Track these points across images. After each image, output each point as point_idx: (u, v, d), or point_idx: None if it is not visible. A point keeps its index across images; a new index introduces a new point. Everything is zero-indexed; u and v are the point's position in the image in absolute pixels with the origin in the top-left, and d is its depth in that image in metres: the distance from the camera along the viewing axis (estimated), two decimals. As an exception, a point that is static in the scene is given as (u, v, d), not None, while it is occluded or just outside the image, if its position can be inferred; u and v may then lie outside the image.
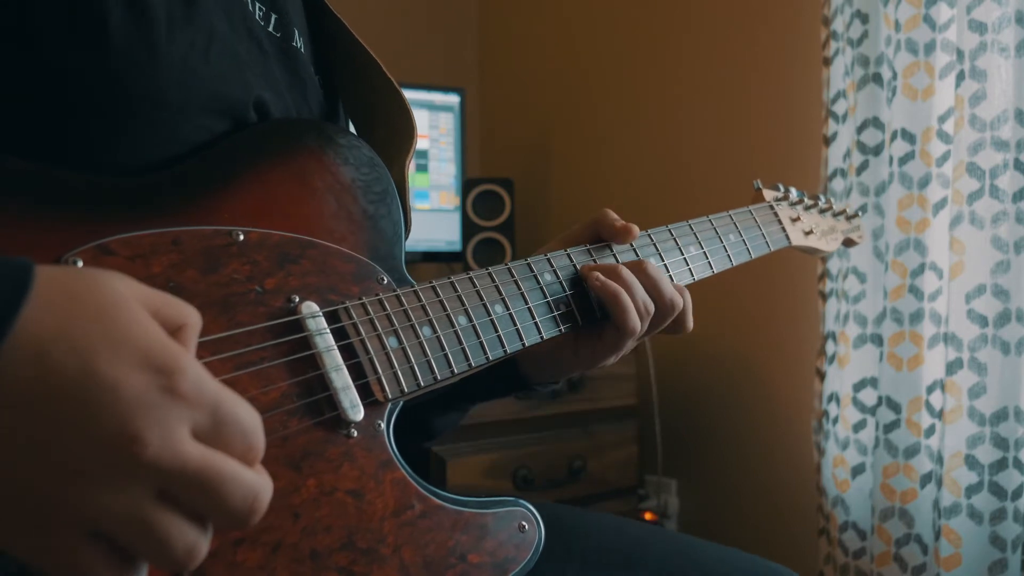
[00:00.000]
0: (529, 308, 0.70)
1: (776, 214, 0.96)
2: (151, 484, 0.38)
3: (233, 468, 0.40)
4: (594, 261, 0.77)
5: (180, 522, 0.39)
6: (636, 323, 0.74)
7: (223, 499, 0.40)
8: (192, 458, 0.39)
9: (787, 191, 1.00)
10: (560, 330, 0.72)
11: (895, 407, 1.55)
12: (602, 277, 0.74)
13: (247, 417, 0.42)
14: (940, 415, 1.49)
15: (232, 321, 0.54)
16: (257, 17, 0.67)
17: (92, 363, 0.38)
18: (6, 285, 0.38)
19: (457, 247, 2.17)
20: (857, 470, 1.65)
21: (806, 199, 1.02)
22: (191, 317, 0.44)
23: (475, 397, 0.83)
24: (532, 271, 0.72)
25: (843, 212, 1.08)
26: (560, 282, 0.74)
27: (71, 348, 0.37)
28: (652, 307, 0.75)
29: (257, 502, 0.41)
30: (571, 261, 0.75)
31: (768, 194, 0.98)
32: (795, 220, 0.98)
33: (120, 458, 0.37)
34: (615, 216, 0.79)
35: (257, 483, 0.41)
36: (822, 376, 1.69)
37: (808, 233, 1.00)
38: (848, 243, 1.09)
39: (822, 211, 1.04)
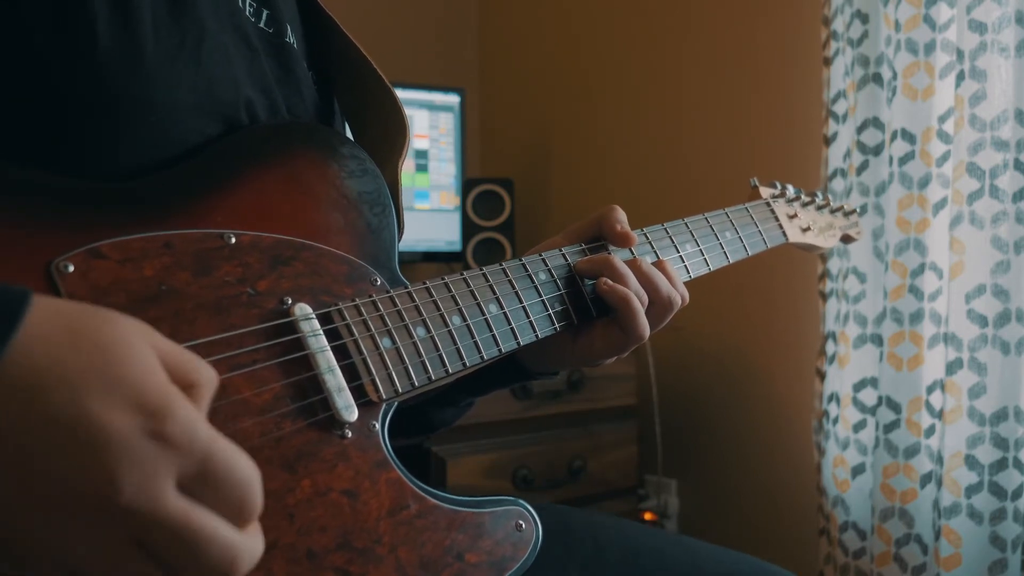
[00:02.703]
0: (524, 307, 0.70)
1: (773, 211, 0.95)
2: (126, 530, 0.37)
3: (213, 527, 0.39)
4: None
5: (152, 571, 0.38)
6: (646, 328, 0.73)
7: (198, 557, 0.38)
8: (169, 510, 0.37)
9: (784, 188, 0.99)
10: (555, 328, 0.72)
11: (895, 407, 1.55)
12: (610, 282, 0.73)
13: (242, 471, 0.40)
14: (940, 415, 1.48)
15: (225, 324, 0.54)
16: (248, 13, 0.67)
17: (82, 399, 0.37)
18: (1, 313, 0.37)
19: (457, 247, 2.17)
20: (857, 470, 1.65)
21: (803, 196, 1.01)
22: (204, 376, 0.42)
23: (474, 390, 0.82)
24: (527, 270, 0.72)
25: (840, 208, 1.07)
26: (555, 280, 0.73)
27: (63, 382, 0.37)
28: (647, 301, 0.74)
29: (235, 564, 0.40)
30: (566, 261, 0.75)
31: (765, 191, 0.98)
32: (792, 217, 0.98)
33: (96, 500, 0.37)
34: (619, 218, 0.78)
35: (238, 544, 0.40)
36: (822, 376, 1.69)
37: (806, 230, 0.99)
38: (846, 239, 1.09)
39: (819, 207, 1.03)
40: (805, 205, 1.01)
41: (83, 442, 0.36)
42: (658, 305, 0.75)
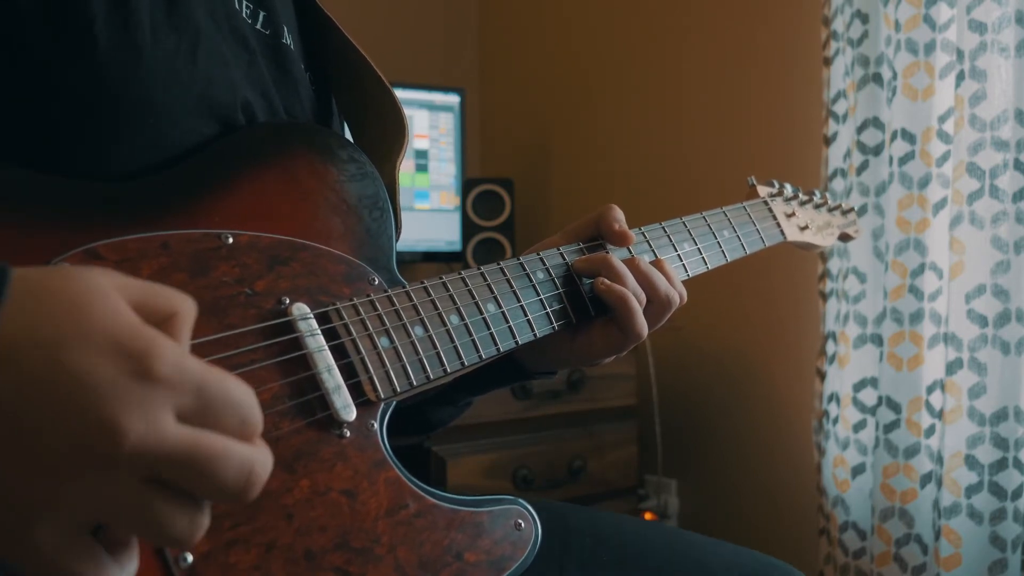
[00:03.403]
0: (522, 306, 0.70)
1: (771, 210, 0.95)
2: (137, 471, 0.37)
3: (223, 444, 0.39)
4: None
5: (174, 503, 0.38)
6: (644, 327, 0.73)
7: (215, 477, 0.38)
8: (177, 441, 0.37)
9: (782, 187, 0.99)
10: (554, 327, 0.72)
11: (895, 407, 1.55)
12: (607, 281, 0.73)
13: (237, 392, 0.40)
14: (940, 415, 1.48)
15: (223, 324, 0.54)
16: (244, 15, 0.67)
17: (57, 356, 0.36)
18: None
19: (457, 247, 2.17)
20: (857, 470, 1.65)
21: (801, 194, 1.01)
22: (182, 305, 0.42)
23: (473, 390, 0.82)
24: (524, 269, 0.72)
25: (838, 207, 1.07)
26: (553, 280, 0.73)
27: (36, 343, 0.36)
28: (645, 299, 0.75)
29: (253, 475, 0.40)
30: (564, 260, 0.75)
31: (763, 190, 0.98)
32: (790, 215, 0.97)
33: (99, 450, 0.36)
34: (617, 217, 0.78)
35: (250, 455, 0.40)
36: (822, 376, 1.69)
37: (803, 228, 0.99)
38: (844, 238, 1.08)
39: (817, 206, 1.03)
40: (803, 204, 1.01)
41: (71, 398, 0.36)
42: (656, 304, 0.75)
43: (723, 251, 0.87)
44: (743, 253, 0.89)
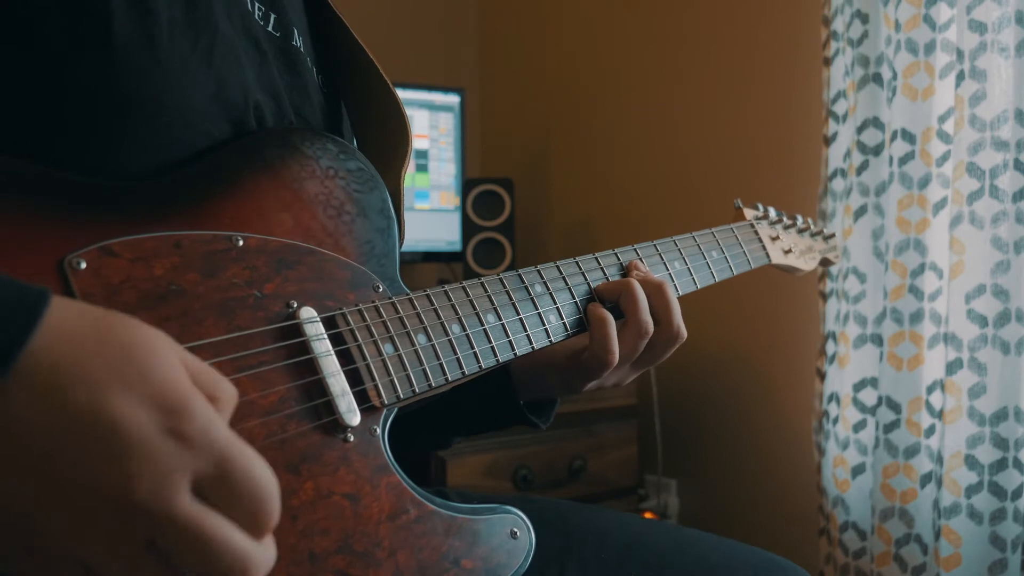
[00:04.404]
0: (520, 319, 0.71)
1: (757, 232, 0.99)
2: (141, 530, 0.37)
3: (226, 535, 0.38)
4: (582, 274, 0.77)
5: (163, 573, 0.38)
6: (611, 351, 0.74)
7: (209, 563, 0.38)
8: (183, 512, 0.37)
9: (766, 211, 1.03)
10: (550, 340, 0.73)
11: (895, 407, 1.55)
12: (598, 305, 0.75)
13: (260, 479, 0.39)
14: (940, 415, 1.49)
15: (232, 325, 0.55)
16: (256, 17, 0.67)
17: (100, 398, 0.37)
18: (20, 312, 0.37)
19: (457, 247, 2.17)
20: (857, 470, 1.65)
21: (785, 219, 1.05)
22: (226, 391, 0.42)
23: (472, 429, 0.86)
24: (523, 282, 0.73)
25: (820, 232, 1.11)
26: (550, 293, 0.74)
27: (83, 381, 0.37)
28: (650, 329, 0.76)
29: (246, 575, 0.39)
30: (560, 273, 0.76)
31: (748, 213, 1.01)
32: (775, 239, 1.01)
33: (110, 498, 0.36)
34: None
35: (251, 554, 0.39)
36: (822, 376, 1.69)
37: (787, 252, 1.03)
38: (825, 263, 1.13)
39: (800, 231, 1.07)
40: (787, 228, 1.05)
41: (100, 438, 0.36)
42: (664, 327, 0.77)
43: (712, 271, 0.89)
44: (730, 274, 0.92)
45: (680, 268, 0.86)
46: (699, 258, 0.89)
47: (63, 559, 0.38)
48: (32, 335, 0.37)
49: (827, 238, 1.12)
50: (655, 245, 0.85)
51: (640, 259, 0.82)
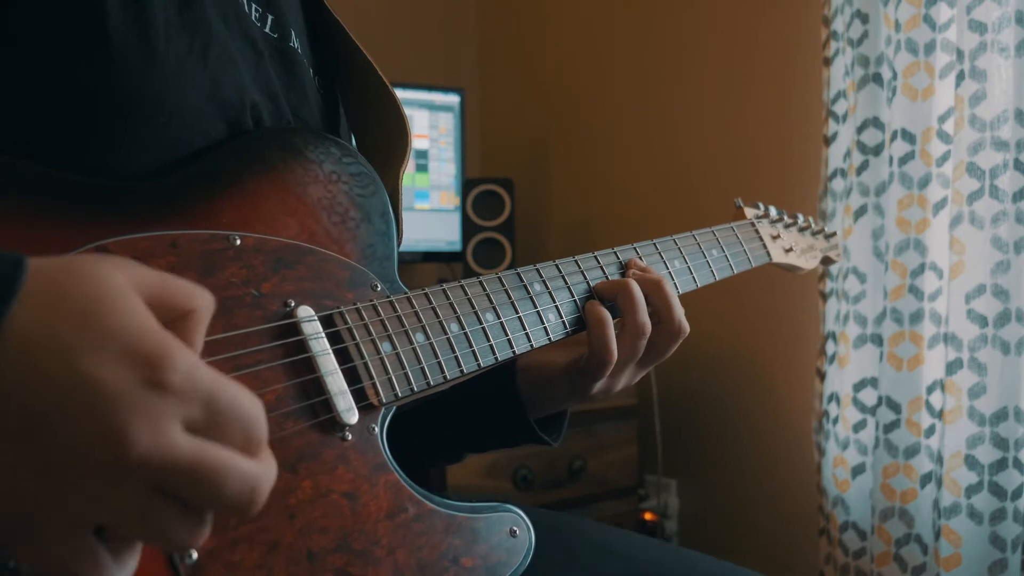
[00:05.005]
0: (519, 317, 0.71)
1: (757, 231, 0.98)
2: (143, 480, 0.38)
3: (228, 460, 0.39)
4: (581, 273, 0.77)
5: (176, 512, 0.39)
6: (610, 351, 0.74)
7: (219, 491, 0.39)
8: (183, 453, 0.38)
9: (767, 209, 1.02)
10: (549, 339, 0.73)
11: (895, 407, 1.55)
12: (597, 304, 0.75)
13: (246, 404, 0.40)
14: (940, 415, 1.49)
15: (229, 324, 0.55)
16: (253, 18, 0.67)
17: (73, 361, 0.37)
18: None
19: (457, 247, 2.17)
20: (857, 470, 1.65)
21: (785, 217, 1.04)
22: (198, 300, 0.42)
23: (483, 448, 0.87)
24: (522, 281, 0.73)
25: (821, 231, 1.11)
26: (549, 292, 0.74)
27: (54, 346, 0.37)
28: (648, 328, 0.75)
29: (255, 492, 0.40)
30: (559, 272, 0.76)
31: (749, 212, 1.01)
32: (775, 238, 1.01)
33: (107, 457, 0.37)
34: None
35: (255, 472, 0.40)
36: (822, 376, 1.69)
37: (788, 250, 1.02)
38: (827, 261, 1.13)
39: (801, 229, 1.07)
40: (787, 226, 1.04)
41: (84, 403, 0.36)
42: (666, 324, 0.76)
43: (712, 270, 0.89)
44: (731, 272, 0.92)
45: (680, 267, 0.85)
46: (699, 256, 0.88)
47: (71, 527, 0.38)
48: (7, 313, 0.36)
49: (828, 236, 1.12)
50: (655, 244, 0.84)
51: (640, 258, 0.82)
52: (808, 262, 1.06)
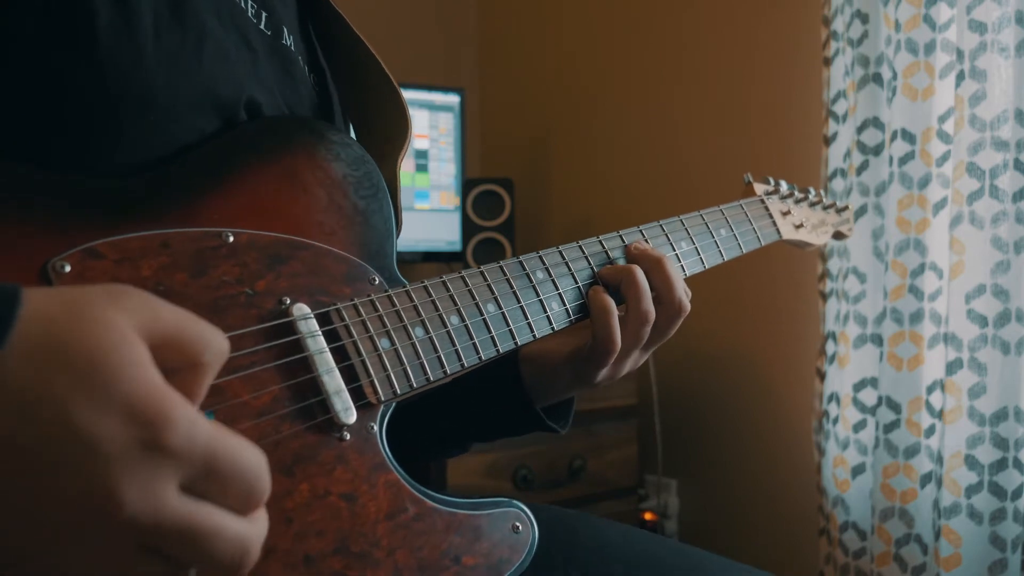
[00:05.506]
0: (522, 307, 0.70)
1: (767, 208, 0.95)
2: (131, 539, 0.37)
3: (220, 522, 0.38)
4: (586, 258, 0.76)
5: (163, 569, 0.38)
6: (614, 339, 0.73)
7: (209, 553, 0.38)
8: (173, 515, 0.37)
9: (777, 184, 0.99)
10: (552, 328, 0.72)
11: (895, 407, 1.55)
12: (600, 290, 0.74)
13: (248, 460, 0.39)
14: (940, 415, 1.48)
15: (223, 325, 0.53)
16: (249, 14, 0.67)
17: (71, 415, 0.35)
18: None
19: (457, 247, 2.17)
20: (857, 470, 1.65)
21: (796, 192, 1.01)
22: (209, 353, 0.40)
23: (488, 437, 0.86)
24: (524, 269, 0.71)
25: (832, 205, 1.07)
26: (552, 280, 0.73)
27: (50, 399, 0.35)
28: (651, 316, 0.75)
29: (246, 555, 0.39)
30: (563, 258, 0.74)
31: (759, 188, 0.97)
32: (786, 213, 0.97)
33: (96, 516, 0.36)
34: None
35: (245, 534, 0.39)
36: (822, 376, 1.69)
37: (799, 226, 0.99)
38: (838, 236, 1.08)
39: (812, 204, 1.03)
40: (798, 202, 1.01)
41: (78, 460, 0.35)
42: (666, 304, 0.76)
43: (720, 250, 0.87)
44: (740, 252, 0.89)
45: (687, 248, 0.83)
46: (707, 236, 0.85)
47: (57, 572, 0.37)
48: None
49: (840, 211, 1.08)
50: (661, 225, 0.82)
51: (646, 240, 0.80)
52: (819, 237, 1.02)
